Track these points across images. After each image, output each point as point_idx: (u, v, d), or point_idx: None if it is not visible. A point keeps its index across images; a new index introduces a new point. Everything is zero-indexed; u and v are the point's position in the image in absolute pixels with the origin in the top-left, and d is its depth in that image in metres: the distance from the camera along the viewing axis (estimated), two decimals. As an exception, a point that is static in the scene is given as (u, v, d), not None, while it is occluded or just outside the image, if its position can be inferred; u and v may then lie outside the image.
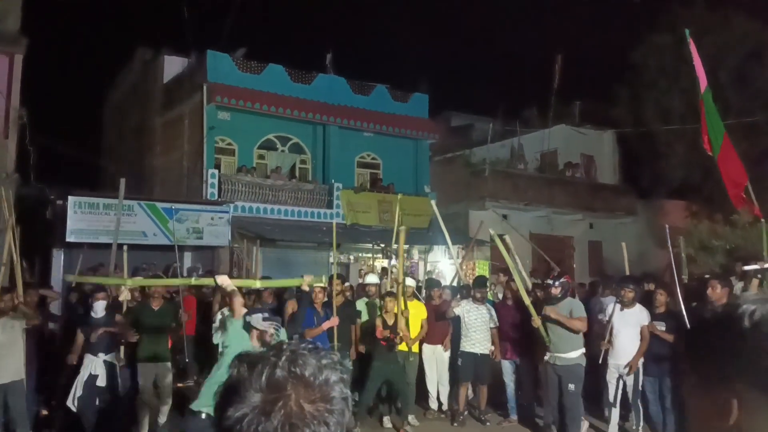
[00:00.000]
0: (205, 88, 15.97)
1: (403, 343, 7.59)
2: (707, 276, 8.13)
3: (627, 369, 6.77)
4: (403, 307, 7.63)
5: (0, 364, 5.96)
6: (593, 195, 20.49)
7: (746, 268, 6.47)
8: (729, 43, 18.47)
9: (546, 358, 6.91)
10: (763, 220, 7.85)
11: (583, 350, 6.78)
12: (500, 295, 9.44)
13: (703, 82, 8.85)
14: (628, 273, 8.24)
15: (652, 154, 20.50)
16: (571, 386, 6.63)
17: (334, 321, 7.08)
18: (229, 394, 0.99)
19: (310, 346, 1.03)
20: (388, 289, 8.24)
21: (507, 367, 7.81)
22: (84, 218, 13.05)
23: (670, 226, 9.54)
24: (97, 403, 6.62)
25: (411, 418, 7.67)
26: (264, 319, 4.90)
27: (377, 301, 8.13)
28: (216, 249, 14.89)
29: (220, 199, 15.36)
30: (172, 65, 18.42)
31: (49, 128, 18.17)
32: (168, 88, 18.46)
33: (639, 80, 20.63)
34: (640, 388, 6.82)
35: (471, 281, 8.84)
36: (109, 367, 6.67)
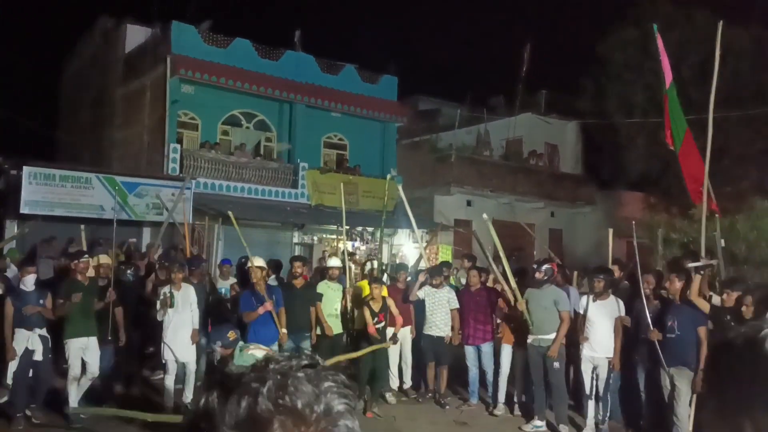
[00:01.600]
0: (168, 60, 15.52)
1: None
2: (659, 269, 8.38)
3: (608, 365, 6.71)
4: (368, 291, 7.77)
5: None
6: (555, 184, 20.83)
7: (690, 264, 6.52)
8: (692, 40, 18.84)
9: (529, 340, 7.06)
10: (717, 215, 8.05)
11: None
12: (463, 281, 9.54)
13: (668, 77, 9.00)
14: (610, 261, 8.21)
15: (614, 145, 20.88)
16: (556, 364, 6.83)
17: (267, 306, 6.91)
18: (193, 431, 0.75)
19: (304, 362, 0.78)
20: (353, 271, 8.35)
21: (470, 352, 7.91)
22: (39, 189, 12.60)
23: (629, 217, 9.75)
24: (30, 376, 6.53)
25: (388, 395, 8.06)
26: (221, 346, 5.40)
27: (338, 284, 8.17)
28: (176, 225, 14.60)
29: (181, 175, 15.03)
30: (135, 35, 17.82)
31: (4, 95, 17.46)
32: (129, 59, 17.88)
33: (604, 73, 20.92)
34: (610, 381, 6.79)
35: (430, 266, 8.94)
36: (44, 341, 6.58)
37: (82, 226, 7.65)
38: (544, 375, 6.98)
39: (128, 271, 8.44)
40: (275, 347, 6.83)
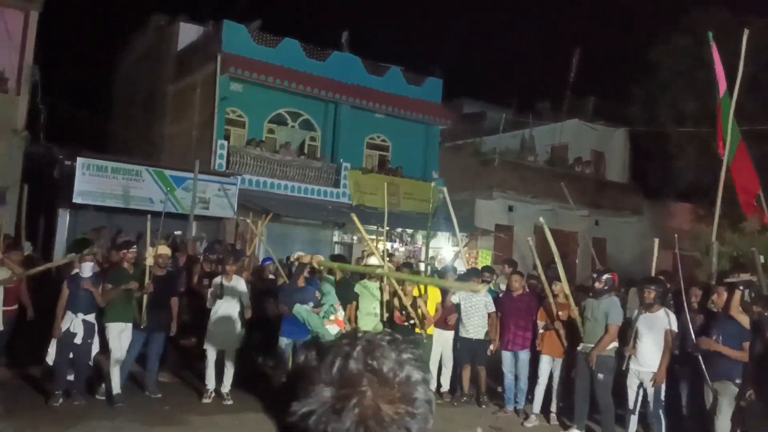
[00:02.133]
0: (219, 58, 15.86)
1: (428, 329, 7.87)
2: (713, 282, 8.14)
3: (651, 381, 6.51)
4: (422, 291, 7.83)
5: None
6: (601, 192, 20.43)
7: (728, 280, 6.29)
8: (748, 48, 18.22)
9: (579, 348, 6.95)
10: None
11: (617, 344, 6.77)
12: (502, 286, 9.47)
13: (722, 86, 8.78)
14: (653, 272, 8.04)
15: (663, 154, 20.38)
16: (601, 376, 6.66)
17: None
18: (294, 385, 0.86)
19: (387, 337, 0.88)
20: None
21: (507, 358, 7.82)
22: (92, 180, 13.05)
23: (677, 228, 9.52)
24: (70, 357, 6.80)
25: None
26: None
27: (378, 283, 8.20)
28: (221, 220, 14.91)
29: (227, 171, 15.34)
30: (187, 33, 18.28)
31: (61, 88, 18.12)
32: (181, 56, 18.35)
33: (655, 80, 20.45)
34: (662, 398, 6.54)
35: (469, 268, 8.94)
36: (87, 326, 6.81)
37: (149, 216, 7.92)
38: (591, 388, 6.85)
39: (169, 262, 8.66)
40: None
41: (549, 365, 7.48)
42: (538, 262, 7.89)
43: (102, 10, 38.64)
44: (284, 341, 7.24)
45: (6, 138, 13.33)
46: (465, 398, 8.17)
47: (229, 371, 7.36)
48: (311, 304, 6.62)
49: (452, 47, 40.05)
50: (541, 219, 7.69)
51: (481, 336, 7.97)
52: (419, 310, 7.68)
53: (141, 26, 21.55)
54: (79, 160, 13.08)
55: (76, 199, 12.97)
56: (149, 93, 20.33)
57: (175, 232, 13.29)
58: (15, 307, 7.39)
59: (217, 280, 7.35)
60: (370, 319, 7.96)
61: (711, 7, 18.85)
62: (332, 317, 6.50)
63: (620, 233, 20.53)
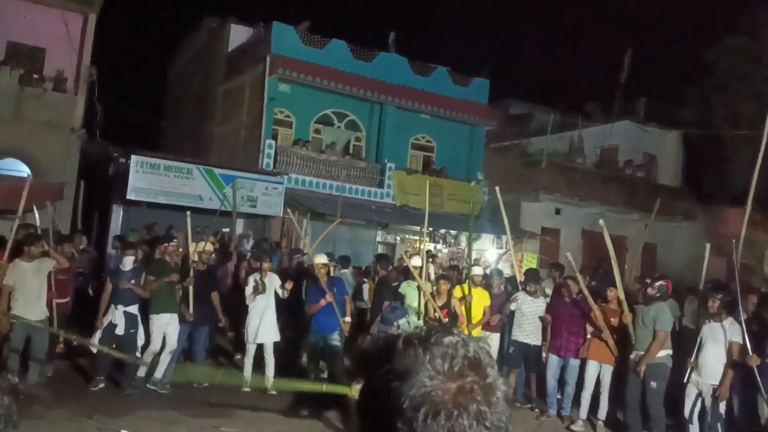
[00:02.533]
0: (268, 59, 16.13)
1: (463, 327, 7.73)
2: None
3: (712, 393, 6.28)
4: (466, 292, 7.84)
5: (35, 304, 6.66)
6: (651, 195, 19.87)
7: None
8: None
9: (632, 356, 6.81)
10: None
11: (670, 351, 6.60)
12: (548, 290, 9.32)
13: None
14: (703, 279, 7.76)
15: (718, 158, 19.70)
16: (653, 384, 6.48)
17: (328, 297, 7.11)
18: (398, 372, 0.83)
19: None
20: (436, 273, 8.42)
21: (554, 363, 7.68)
22: (145, 177, 13.45)
23: (730, 234, 9.17)
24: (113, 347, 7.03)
25: None
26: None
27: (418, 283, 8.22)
28: (268, 218, 15.15)
29: (275, 170, 15.58)
30: (238, 34, 18.64)
31: (116, 88, 18.71)
32: (232, 57, 18.72)
33: (710, 81, 19.79)
34: (721, 410, 6.29)
35: (521, 273, 8.81)
36: (129, 318, 7.06)
37: (188, 213, 8.14)
38: (642, 396, 6.69)
39: (211, 257, 8.85)
40: (337, 335, 7.15)
41: (596, 371, 7.33)
42: (577, 272, 7.68)
43: (157, 13, 39.77)
44: (314, 336, 7.38)
45: (64, 136, 13.88)
46: (518, 404, 8.03)
47: (270, 363, 7.55)
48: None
49: (500, 47, 39.70)
50: (601, 221, 7.52)
51: (537, 341, 7.89)
52: (453, 309, 7.66)
53: (194, 28, 22.09)
54: (133, 158, 13.50)
55: (130, 196, 13.39)
56: (200, 93, 20.82)
57: (224, 230, 13.60)
58: (68, 299, 7.68)
59: (257, 276, 7.57)
60: (413, 318, 7.98)
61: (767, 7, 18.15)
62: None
63: (672, 238, 19.95)
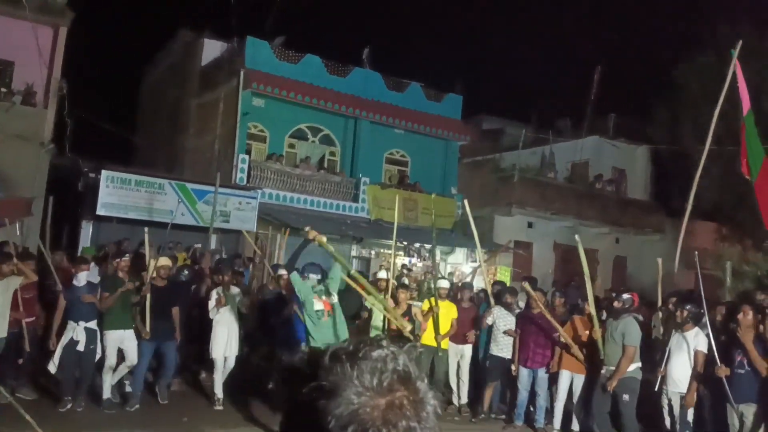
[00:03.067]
0: (242, 73, 16.10)
1: (430, 339, 7.87)
2: (732, 301, 8.00)
3: (679, 401, 6.42)
4: (434, 304, 7.92)
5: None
6: (622, 210, 20.25)
7: (760, 298, 6.17)
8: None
9: (602, 371, 6.88)
10: None
11: (639, 364, 6.68)
12: (521, 303, 9.41)
13: (746, 104, 8.71)
14: (660, 291, 7.98)
15: (686, 173, 20.13)
16: (626, 397, 6.58)
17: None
18: (324, 390, 0.80)
19: (399, 345, 0.87)
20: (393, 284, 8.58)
21: (524, 375, 7.74)
22: (115, 192, 13.27)
23: (699, 247, 9.39)
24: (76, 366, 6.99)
25: None
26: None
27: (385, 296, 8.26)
28: (241, 233, 15.03)
29: (248, 185, 15.49)
30: (211, 49, 18.58)
31: (87, 101, 18.47)
32: (205, 71, 18.64)
33: (677, 98, 20.29)
34: (689, 419, 6.41)
35: (491, 286, 8.88)
36: (89, 333, 7.01)
37: (146, 229, 8.16)
38: (614, 407, 6.76)
39: (182, 273, 8.76)
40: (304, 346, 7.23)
41: (568, 381, 7.41)
42: (587, 273, 7.75)
43: (129, 26, 39.50)
44: (304, 346, 7.31)
45: (33, 150, 13.63)
46: (483, 415, 8.10)
47: (222, 378, 7.63)
48: (311, 276, 6.78)
49: (472, 64, 40.17)
50: (576, 237, 7.65)
51: (510, 355, 7.97)
52: (415, 317, 7.72)
53: (167, 41, 21.97)
54: (104, 172, 13.32)
55: (100, 211, 13.19)
56: (173, 107, 20.66)
57: (195, 245, 13.45)
58: (34, 318, 7.51)
59: (219, 290, 7.72)
60: (376, 332, 8.01)
61: (736, 25, 18.73)
62: (323, 297, 6.58)
63: (642, 252, 20.31)
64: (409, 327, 7.43)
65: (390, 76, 18.56)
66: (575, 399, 7.42)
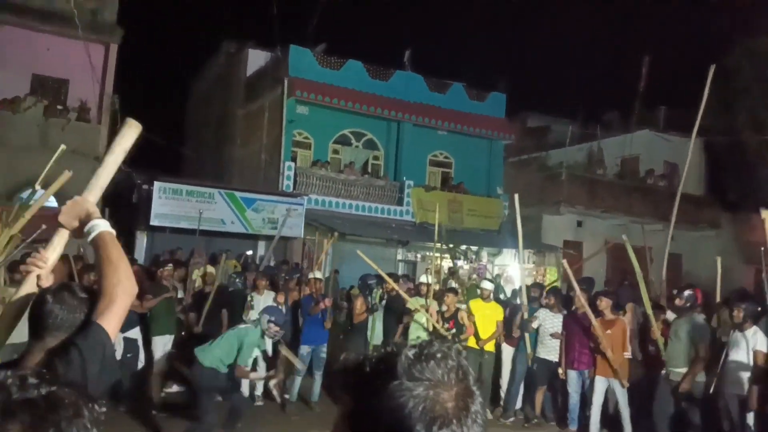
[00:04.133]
0: (286, 82, 16.34)
1: (473, 341, 7.87)
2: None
3: (737, 402, 6.16)
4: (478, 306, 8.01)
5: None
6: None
7: None
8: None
9: (663, 372, 6.70)
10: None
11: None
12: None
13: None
14: (719, 290, 7.71)
15: (742, 164, 19.39)
16: (685, 403, 6.43)
17: (327, 302, 7.89)
18: (404, 388, 0.89)
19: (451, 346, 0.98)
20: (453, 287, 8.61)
21: (573, 378, 7.57)
22: (168, 203, 13.63)
23: (758, 242, 9.01)
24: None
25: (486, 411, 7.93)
26: (269, 321, 6.08)
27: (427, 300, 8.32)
28: (289, 240, 15.24)
29: (294, 192, 15.70)
30: (256, 58, 18.92)
31: (138, 115, 19.04)
32: (250, 81, 18.99)
33: (731, 87, 19.55)
34: (749, 422, 6.10)
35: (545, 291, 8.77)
36: (128, 343, 7.29)
37: (200, 238, 8.61)
38: (675, 412, 6.55)
39: (237, 280, 8.97)
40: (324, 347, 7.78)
41: (603, 387, 7.18)
42: (575, 284, 7.57)
43: (176, 40, 40.60)
44: (305, 348, 7.77)
45: (88, 164, 14.12)
46: (536, 420, 7.98)
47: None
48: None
49: (515, 60, 39.68)
50: (624, 236, 7.50)
51: (557, 358, 7.84)
52: (461, 321, 7.74)
53: (212, 53, 22.47)
54: (156, 184, 13.70)
55: (154, 222, 13.57)
56: (220, 117, 21.12)
57: (246, 252, 13.70)
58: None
59: (250, 294, 8.13)
60: (419, 332, 8.05)
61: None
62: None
63: (697, 248, 19.64)
64: (446, 331, 7.48)
65: (432, 78, 18.51)
66: (621, 407, 7.14)
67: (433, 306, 8.00)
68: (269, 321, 6.08)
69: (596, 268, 16.33)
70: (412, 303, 8.08)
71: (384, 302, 9.24)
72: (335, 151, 18.14)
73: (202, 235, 11.80)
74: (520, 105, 21.89)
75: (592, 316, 7.08)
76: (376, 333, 8.67)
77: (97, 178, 2.03)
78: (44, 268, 1.90)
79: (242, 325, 6.35)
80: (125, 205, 15.36)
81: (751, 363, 6.09)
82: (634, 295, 8.41)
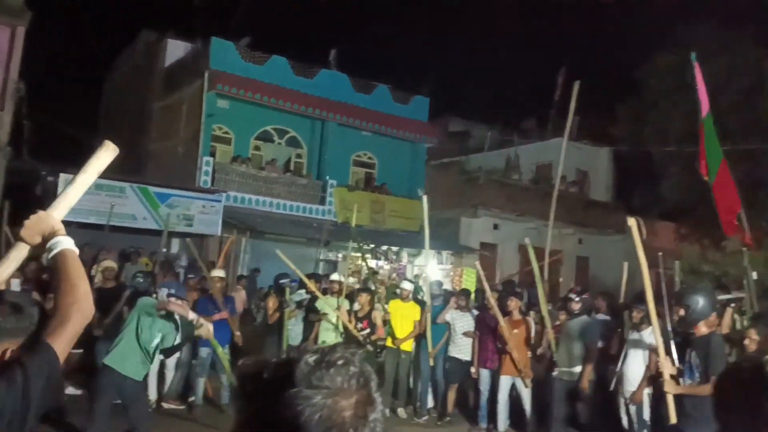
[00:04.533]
0: (206, 75, 15.89)
1: (389, 341, 7.97)
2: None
3: (630, 398, 6.47)
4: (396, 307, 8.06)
5: None
6: (585, 210, 20.58)
7: (721, 297, 6.27)
8: (733, 69, 18.54)
9: (554, 373, 6.91)
10: (744, 248, 7.84)
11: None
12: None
13: (705, 106, 8.87)
14: (623, 292, 8.13)
15: (647, 174, 20.58)
16: (579, 403, 6.63)
17: (224, 314, 7.64)
18: (278, 386, 0.87)
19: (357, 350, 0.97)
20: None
21: (484, 376, 7.75)
22: (74, 197, 12.92)
23: (661, 247, 9.57)
24: None
25: (399, 410, 8.15)
26: (168, 295, 5.44)
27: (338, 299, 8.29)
28: (205, 237, 14.81)
29: (212, 188, 15.28)
30: (175, 49, 18.31)
31: (46, 103, 18.01)
32: (169, 73, 18.35)
33: (640, 100, 20.71)
34: (645, 417, 6.40)
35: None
36: None
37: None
38: (567, 411, 6.80)
39: (141, 279, 8.58)
40: (227, 349, 7.49)
41: (507, 385, 7.40)
42: (487, 288, 7.80)
43: (91, 27, 38.63)
44: (205, 350, 7.54)
45: (-11, 153, 13.22)
46: (449, 418, 8.10)
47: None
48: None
49: (439, 65, 40.45)
50: (526, 239, 7.72)
51: (469, 356, 7.97)
52: (374, 321, 7.80)
53: (129, 42, 21.56)
54: (62, 176, 12.96)
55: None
56: (136, 109, 20.28)
57: (162, 250, 13.19)
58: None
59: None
60: (329, 333, 8.05)
61: (696, 27, 19.17)
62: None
63: (604, 252, 20.66)
64: (359, 331, 7.49)
65: (357, 78, 18.53)
66: (524, 404, 7.38)
67: (344, 305, 8.01)
68: (168, 294, 5.48)
69: (510, 269, 16.87)
70: (321, 303, 8.05)
71: (305, 302, 9.13)
72: (257, 148, 17.81)
73: (112, 231, 11.26)
74: (443, 109, 22.32)
75: (499, 316, 7.26)
76: (294, 333, 8.55)
77: (65, 196, 1.97)
78: None
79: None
80: (29, 198, 14.45)
81: (647, 362, 6.40)
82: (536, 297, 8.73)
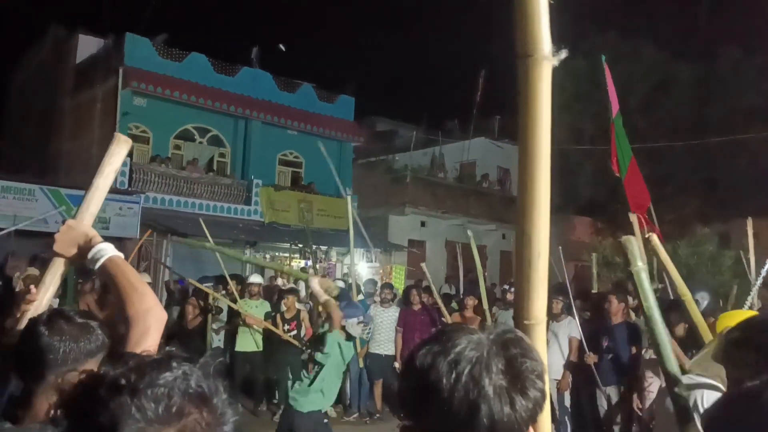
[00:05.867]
0: (121, 71, 15.24)
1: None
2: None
3: (555, 386, 6.66)
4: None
5: None
6: (507, 207, 21.21)
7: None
8: (639, 72, 19.65)
9: None
10: (652, 239, 8.26)
11: None
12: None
13: (615, 107, 9.32)
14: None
15: (564, 171, 21.43)
16: None
17: None
18: (104, 427, 0.73)
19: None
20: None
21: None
22: (-23, 200, 12.10)
23: (578, 240, 10.00)
24: None
25: (329, 410, 7.91)
26: (358, 323, 5.47)
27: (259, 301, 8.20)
28: (123, 240, 14.19)
29: (130, 189, 14.67)
30: (87, 46, 17.44)
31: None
32: (80, 70, 17.47)
33: (554, 101, 21.50)
34: (566, 404, 6.67)
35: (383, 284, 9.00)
36: None
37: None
38: None
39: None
40: None
41: None
42: (431, 282, 7.96)
43: (-8, 19, 36.24)
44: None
45: None
46: (378, 415, 8.12)
47: None
48: None
49: (364, 66, 40.57)
50: (469, 232, 7.83)
51: (390, 351, 8.01)
52: (302, 322, 7.76)
53: (37, 38, 20.37)
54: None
55: (-40, 221, 11.97)
56: (45, 107, 19.18)
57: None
58: None
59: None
60: (247, 335, 7.96)
61: (606, 33, 20.16)
62: None
63: (527, 247, 21.29)
64: (287, 333, 7.42)
65: (281, 77, 18.30)
66: None
67: (263, 306, 7.92)
68: None
69: (437, 265, 17.16)
70: (240, 305, 7.91)
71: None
72: (177, 147, 17.25)
73: (19, 236, 10.60)
74: (369, 109, 22.44)
75: (445, 311, 7.38)
76: (218, 338, 8.33)
77: (87, 204, 1.81)
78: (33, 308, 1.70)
79: None
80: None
81: (565, 351, 6.72)
82: (475, 289, 8.92)
